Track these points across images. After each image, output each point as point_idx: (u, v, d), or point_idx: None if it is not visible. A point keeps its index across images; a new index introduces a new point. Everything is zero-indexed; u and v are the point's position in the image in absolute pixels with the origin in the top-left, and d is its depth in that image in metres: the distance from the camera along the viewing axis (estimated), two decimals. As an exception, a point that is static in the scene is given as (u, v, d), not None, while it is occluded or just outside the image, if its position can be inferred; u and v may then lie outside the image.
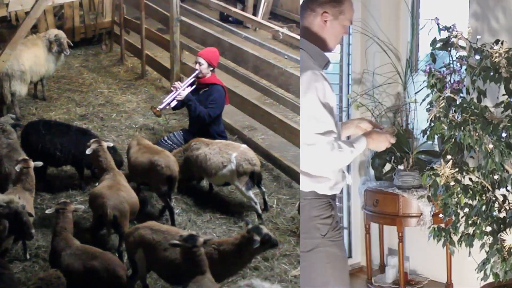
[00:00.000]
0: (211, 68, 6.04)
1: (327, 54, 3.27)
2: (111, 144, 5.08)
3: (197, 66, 6.04)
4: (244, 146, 5.49)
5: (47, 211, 4.41)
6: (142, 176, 5.27)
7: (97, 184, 4.93)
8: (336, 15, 3.18)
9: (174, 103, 5.99)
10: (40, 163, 4.79)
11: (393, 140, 3.29)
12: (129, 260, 4.34)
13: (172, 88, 6.11)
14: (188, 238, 3.71)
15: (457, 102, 3.80)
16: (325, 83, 3.11)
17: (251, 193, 5.20)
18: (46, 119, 6.53)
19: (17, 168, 4.66)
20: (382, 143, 3.26)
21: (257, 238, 4.00)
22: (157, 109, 5.93)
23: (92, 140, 4.94)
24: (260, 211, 5.18)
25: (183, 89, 5.96)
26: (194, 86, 6.05)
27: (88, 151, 4.88)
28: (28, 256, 4.62)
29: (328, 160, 3.09)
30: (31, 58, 6.89)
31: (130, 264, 4.30)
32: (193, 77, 6.04)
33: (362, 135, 3.26)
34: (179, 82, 6.17)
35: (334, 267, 3.23)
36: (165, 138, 6.15)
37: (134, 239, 4.19)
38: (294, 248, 4.86)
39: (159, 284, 4.41)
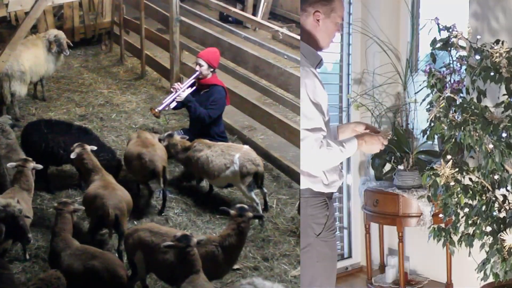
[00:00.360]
0: (212, 69, 6.03)
1: (321, 53, 3.29)
2: (95, 148, 5.08)
3: (197, 68, 6.03)
4: (247, 147, 5.49)
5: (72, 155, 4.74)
6: (130, 168, 5.36)
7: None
8: (327, 13, 3.22)
9: (173, 104, 5.99)
10: (40, 166, 4.78)
11: (385, 142, 3.29)
12: (128, 262, 4.33)
13: (172, 89, 6.10)
14: (181, 238, 3.73)
15: (457, 102, 3.80)
16: (315, 80, 3.13)
17: (253, 194, 5.20)
18: (46, 118, 6.52)
19: (9, 165, 4.67)
20: (375, 145, 3.26)
21: (250, 214, 4.11)
22: (156, 110, 5.93)
23: (75, 145, 4.98)
24: (261, 212, 5.18)
25: (182, 90, 5.95)
26: (194, 88, 6.04)
27: (72, 155, 4.92)
28: (27, 257, 4.61)
29: (317, 157, 3.10)
30: (31, 58, 6.89)
31: (130, 265, 4.29)
32: (193, 79, 6.03)
33: (354, 136, 3.27)
34: (179, 83, 6.16)
35: (323, 267, 3.26)
36: (166, 138, 6.16)
37: (133, 241, 4.18)
38: (294, 248, 4.86)
39: (159, 285, 4.41)
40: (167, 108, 6.03)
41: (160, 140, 5.62)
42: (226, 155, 5.27)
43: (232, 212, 4.14)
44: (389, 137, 3.32)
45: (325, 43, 3.28)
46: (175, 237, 3.76)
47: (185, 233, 3.81)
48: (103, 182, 4.76)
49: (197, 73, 6.01)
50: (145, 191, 5.43)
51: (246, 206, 4.20)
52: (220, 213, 5.25)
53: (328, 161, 3.17)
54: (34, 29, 7.87)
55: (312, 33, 3.24)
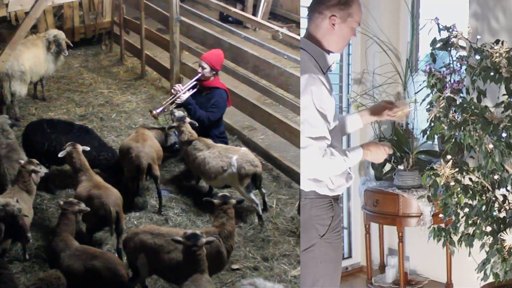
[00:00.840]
0: (214, 72, 6.01)
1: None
2: (88, 148, 5.08)
3: (200, 70, 6.01)
4: (244, 148, 5.48)
5: (60, 154, 4.84)
6: (121, 161, 5.41)
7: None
8: (344, 18, 3.16)
9: (172, 106, 5.98)
10: (42, 171, 4.77)
11: (390, 151, 3.31)
12: (129, 265, 4.26)
13: (172, 90, 6.08)
14: (190, 236, 3.73)
15: (457, 102, 3.80)
16: (322, 87, 3.10)
17: (252, 195, 5.19)
18: (47, 118, 6.52)
19: (14, 167, 4.68)
20: (380, 155, 3.28)
21: (233, 201, 4.25)
22: (154, 112, 5.91)
23: (67, 144, 4.99)
24: (260, 212, 5.18)
25: (183, 92, 5.93)
26: (195, 90, 6.02)
27: (61, 154, 4.93)
28: (27, 257, 4.61)
29: (319, 165, 3.10)
30: (31, 58, 6.89)
31: (131, 269, 4.24)
32: (195, 81, 6.02)
33: (359, 145, 3.28)
34: (180, 84, 6.15)
35: (326, 268, 3.24)
36: (166, 137, 6.17)
37: (134, 244, 4.16)
38: (293, 248, 4.86)
39: (159, 285, 4.41)
40: (165, 110, 6.01)
41: (170, 127, 5.63)
42: (224, 158, 5.25)
43: (216, 201, 4.24)
44: (409, 109, 3.37)
45: (338, 47, 3.24)
46: (185, 234, 3.77)
47: (195, 232, 3.80)
48: (92, 182, 4.78)
49: (199, 75, 5.99)
50: (146, 191, 5.45)
51: (228, 194, 4.31)
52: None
53: (330, 170, 3.17)
54: (34, 29, 7.87)
55: (325, 37, 3.19)
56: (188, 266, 3.71)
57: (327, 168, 3.13)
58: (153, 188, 5.42)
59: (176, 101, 5.91)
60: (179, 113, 5.66)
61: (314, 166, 3.10)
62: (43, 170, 4.78)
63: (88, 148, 5.08)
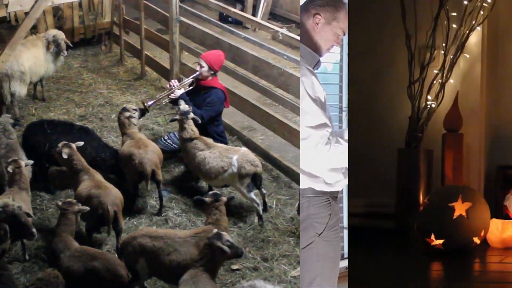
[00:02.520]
0: (212, 72, 6.00)
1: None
2: (81, 143, 5.05)
3: (198, 68, 6.01)
4: (245, 148, 5.47)
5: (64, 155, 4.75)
6: (123, 168, 5.38)
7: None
8: (328, 19, 3.15)
9: (166, 101, 5.98)
10: (31, 162, 4.78)
11: None
12: (129, 269, 4.17)
13: (168, 85, 6.08)
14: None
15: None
16: (312, 77, 3.07)
17: (252, 195, 5.18)
18: (48, 119, 6.50)
19: (10, 169, 4.66)
20: None
21: (225, 199, 4.38)
22: (145, 104, 5.89)
23: (60, 144, 4.94)
24: (261, 212, 5.17)
25: (178, 88, 5.93)
26: (191, 87, 6.01)
27: (64, 155, 4.88)
28: (27, 257, 4.61)
29: (323, 155, 3.03)
30: (31, 58, 6.88)
31: (130, 272, 4.17)
32: (191, 78, 6.01)
33: None
34: (175, 80, 6.15)
35: (323, 266, 3.22)
36: (165, 137, 6.15)
37: (133, 249, 4.13)
38: (293, 248, 4.86)
39: (159, 285, 4.41)
40: (158, 104, 5.97)
41: (172, 120, 5.61)
42: (224, 158, 5.24)
43: (208, 199, 4.31)
44: None
45: (321, 49, 3.21)
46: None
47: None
48: (93, 182, 4.76)
49: (197, 73, 5.99)
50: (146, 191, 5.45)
51: (218, 192, 4.40)
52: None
53: (338, 159, 3.08)
54: (34, 30, 7.86)
55: (309, 35, 3.18)
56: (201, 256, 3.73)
57: (334, 157, 3.04)
58: (153, 188, 5.42)
59: (170, 96, 5.90)
60: (184, 106, 5.53)
61: (318, 156, 3.03)
62: (30, 162, 4.81)
63: (82, 143, 5.03)
